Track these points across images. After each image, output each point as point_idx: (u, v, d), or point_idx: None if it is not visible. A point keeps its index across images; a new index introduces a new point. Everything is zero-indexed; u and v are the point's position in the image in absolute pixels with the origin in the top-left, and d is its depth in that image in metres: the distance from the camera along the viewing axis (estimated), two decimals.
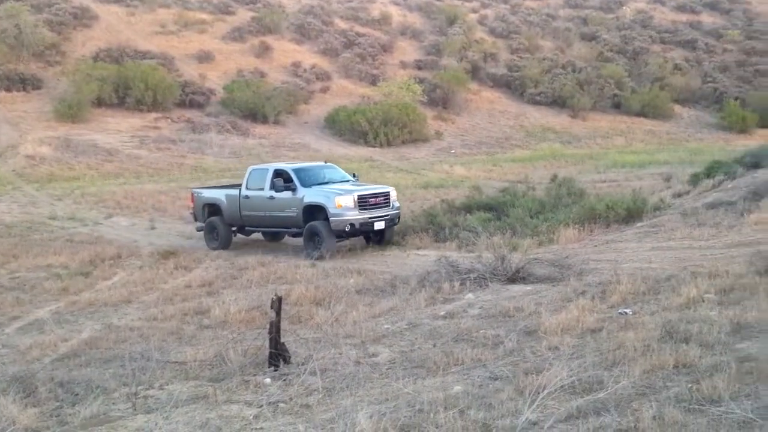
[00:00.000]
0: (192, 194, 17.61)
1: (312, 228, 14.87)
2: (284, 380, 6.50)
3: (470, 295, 9.65)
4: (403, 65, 41.74)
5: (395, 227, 15.78)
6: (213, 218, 16.68)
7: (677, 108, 39.39)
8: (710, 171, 17.73)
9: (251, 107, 33.90)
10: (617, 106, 39.44)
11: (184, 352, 8.03)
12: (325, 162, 18.42)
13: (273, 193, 15.54)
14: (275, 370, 6.80)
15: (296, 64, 39.49)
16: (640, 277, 8.53)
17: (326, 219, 14.75)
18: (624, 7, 48.28)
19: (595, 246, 12.64)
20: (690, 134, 36.76)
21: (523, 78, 40.32)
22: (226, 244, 16.43)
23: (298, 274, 12.88)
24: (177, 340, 9.11)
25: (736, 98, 36.89)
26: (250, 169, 17.09)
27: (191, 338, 9.18)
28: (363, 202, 14.95)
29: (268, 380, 6.54)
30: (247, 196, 16.18)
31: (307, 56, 40.89)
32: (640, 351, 5.96)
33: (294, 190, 15.32)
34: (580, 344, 6.76)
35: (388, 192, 15.61)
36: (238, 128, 32.62)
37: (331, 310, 9.57)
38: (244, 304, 10.37)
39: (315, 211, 15.02)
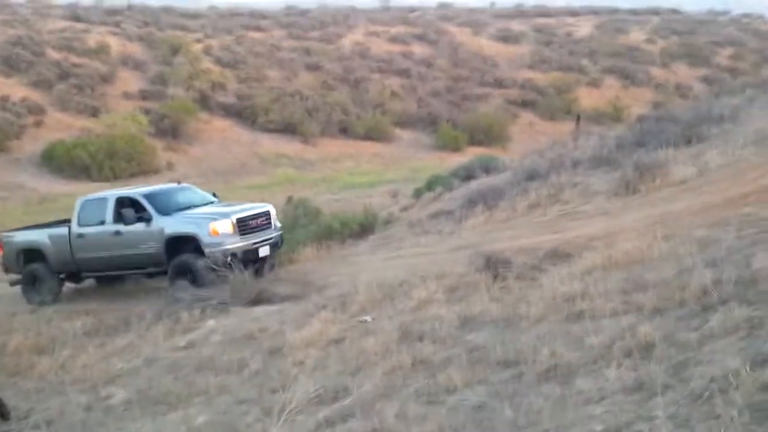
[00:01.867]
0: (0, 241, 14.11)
1: (182, 264, 12.12)
2: None
3: (212, 322, 9.29)
4: (127, 96, 39.58)
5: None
6: (33, 266, 13.50)
7: (398, 131, 42.18)
8: (430, 185, 19.15)
9: None
10: (345, 131, 41.20)
11: None
12: (179, 183, 15.22)
13: (120, 227, 12.79)
14: None
15: (4, 98, 35.56)
16: (376, 286, 8.82)
17: (199, 251, 12.15)
18: None
19: (334, 261, 12.93)
20: (411, 154, 39.56)
21: (253, 106, 40.41)
22: (53, 296, 13.25)
23: (15, 322, 11.40)
24: None
25: (448, 120, 40.48)
26: (80, 201, 13.80)
27: None
28: (243, 226, 12.52)
29: None
30: (81, 235, 13.20)
31: (17, 89, 37.07)
32: (380, 354, 6.13)
33: (149, 220, 12.61)
34: (325, 356, 6.82)
35: (269, 211, 13.32)
36: None
37: (56, 356, 8.60)
38: None
39: (182, 243, 12.41)
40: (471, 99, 42.33)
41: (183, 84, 41.16)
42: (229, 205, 13.74)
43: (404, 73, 45.94)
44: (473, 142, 37.84)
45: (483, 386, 5.04)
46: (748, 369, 3.83)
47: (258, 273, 12.26)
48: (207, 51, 46.36)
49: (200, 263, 11.86)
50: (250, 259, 12.39)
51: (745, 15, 57.90)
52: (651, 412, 3.88)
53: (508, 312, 6.56)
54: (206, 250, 12.03)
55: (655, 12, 56.06)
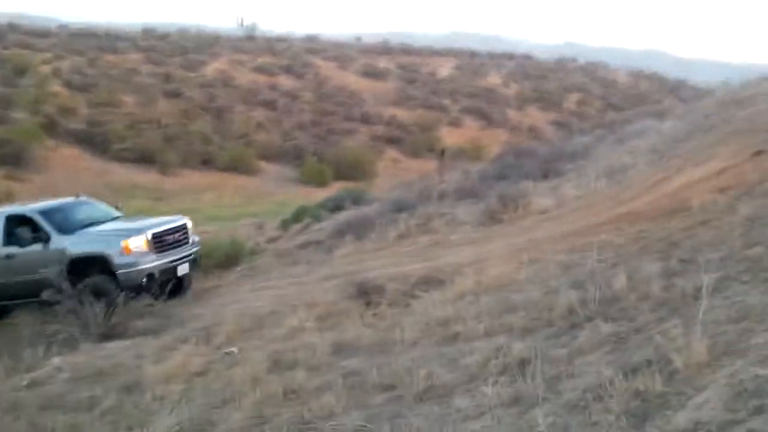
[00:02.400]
0: None
1: (94, 287, 10.55)
2: None
3: (57, 359, 8.51)
4: None
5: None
6: None
7: (263, 164, 41.68)
8: (298, 216, 18.92)
9: None
10: (207, 162, 40.15)
11: None
12: (77, 196, 13.32)
13: (11, 250, 11.35)
14: None
15: None
16: (243, 316, 8.52)
17: (107, 272, 10.88)
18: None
19: (197, 293, 12.38)
20: (277, 188, 39.15)
21: (106, 133, 38.49)
22: None
23: None
24: None
25: (314, 154, 40.51)
26: None
27: None
28: (159, 243, 11.35)
29: None
30: None
31: None
32: (249, 385, 5.85)
33: (46, 240, 11.25)
34: (188, 389, 6.44)
35: (185, 224, 12.17)
36: None
37: None
38: None
39: (88, 265, 11.02)
40: (337, 133, 42.63)
41: (29, 107, 38.63)
42: (138, 220, 12.57)
43: (270, 104, 45.63)
44: (339, 176, 37.98)
45: (361, 410, 4.92)
46: (620, 378, 3.94)
47: (175, 293, 11.56)
48: (56, 73, 43.84)
49: (111, 285, 10.63)
50: (167, 278, 11.47)
51: (590, 63, 62.73)
52: (531, 423, 3.94)
53: (382, 337, 6.50)
54: (119, 272, 10.86)
55: (510, 57, 59.43)
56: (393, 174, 37.97)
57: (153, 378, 6.83)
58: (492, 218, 12.11)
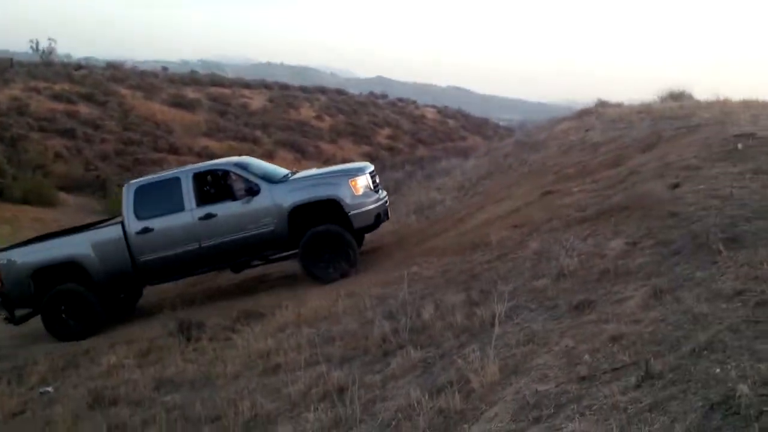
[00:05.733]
0: None
1: (325, 235, 10.06)
2: None
3: None
4: None
5: None
6: (65, 287, 10.14)
7: (63, 195, 39.10)
8: None
9: None
10: (0, 194, 37.01)
11: None
12: (240, 156, 12.25)
13: (212, 209, 10.25)
14: None
15: None
16: (57, 355, 8.20)
17: (339, 217, 10.22)
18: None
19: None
20: (79, 220, 36.76)
21: None
22: (95, 325, 10.11)
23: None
24: None
25: (119, 185, 38.70)
26: (130, 187, 10.57)
27: None
28: (374, 183, 10.89)
29: None
30: (145, 230, 10.26)
31: None
32: (70, 422, 5.75)
33: (256, 192, 10.28)
34: (8, 429, 6.18)
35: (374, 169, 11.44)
36: None
37: None
38: None
39: (311, 213, 10.26)
40: (145, 164, 41.02)
41: None
42: (326, 169, 11.86)
43: (69, 133, 43.00)
44: None
45: None
46: (427, 398, 4.45)
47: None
48: None
49: (346, 231, 10.21)
50: (381, 221, 10.98)
51: (400, 99, 65.80)
52: None
53: (205, 371, 6.64)
54: (352, 214, 10.31)
55: (323, 91, 60.81)
56: None
57: None
58: None
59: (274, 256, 10.82)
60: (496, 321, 5.17)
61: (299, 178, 10.82)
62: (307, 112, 53.66)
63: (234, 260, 10.66)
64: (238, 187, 10.53)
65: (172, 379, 6.60)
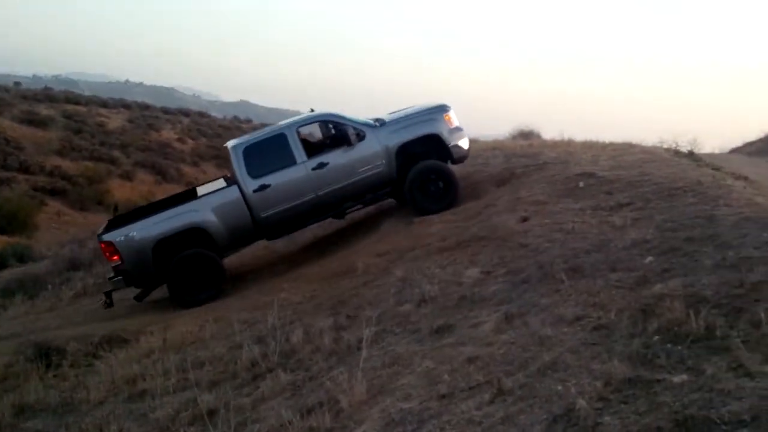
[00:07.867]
0: (109, 244, 10.09)
1: (429, 171, 10.73)
2: None
3: None
4: None
5: None
6: (188, 253, 10.27)
7: None
8: None
9: None
10: None
11: None
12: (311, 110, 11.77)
13: (324, 158, 10.63)
14: None
15: None
16: None
17: (440, 153, 10.99)
18: None
19: None
20: None
21: None
22: (222, 286, 10.41)
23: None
24: None
25: None
26: (237, 149, 10.61)
27: None
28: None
29: None
30: (263, 186, 10.46)
31: None
32: None
33: (362, 137, 10.74)
34: None
35: None
36: None
37: None
38: None
39: (414, 150, 10.92)
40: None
41: None
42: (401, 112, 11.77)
43: None
44: (4, 231, 34.23)
45: None
46: (298, 418, 4.67)
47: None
48: None
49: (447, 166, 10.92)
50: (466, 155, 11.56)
51: (264, 124, 65.45)
52: None
53: (67, 397, 6.48)
54: (451, 145, 11.01)
55: (186, 113, 59.46)
56: (58, 227, 35.34)
57: None
58: None
59: (370, 197, 11.22)
60: (364, 344, 5.46)
61: (397, 120, 11.20)
62: (168, 134, 52.26)
63: (341, 207, 11.07)
64: (344, 134, 10.80)
65: (33, 406, 6.39)
